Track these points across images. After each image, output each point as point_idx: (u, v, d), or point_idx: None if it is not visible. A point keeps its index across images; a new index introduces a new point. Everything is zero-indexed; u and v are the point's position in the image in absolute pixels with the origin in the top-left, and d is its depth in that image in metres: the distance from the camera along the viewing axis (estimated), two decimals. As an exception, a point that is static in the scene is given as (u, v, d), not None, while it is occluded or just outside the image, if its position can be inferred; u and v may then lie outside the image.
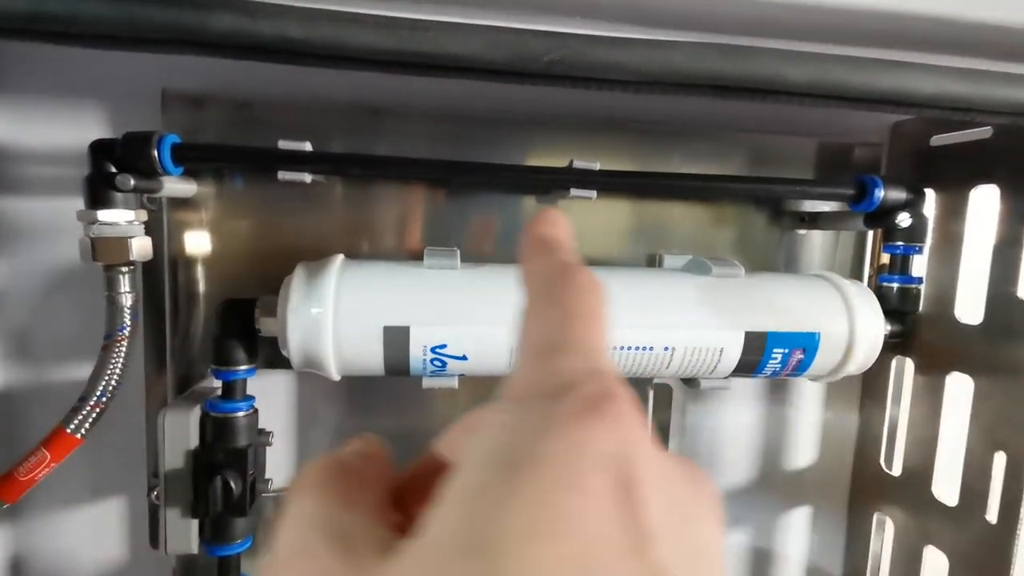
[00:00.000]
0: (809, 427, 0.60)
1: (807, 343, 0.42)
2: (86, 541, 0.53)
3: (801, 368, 0.43)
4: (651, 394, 0.55)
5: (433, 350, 0.39)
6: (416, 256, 0.48)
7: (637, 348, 0.41)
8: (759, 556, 0.61)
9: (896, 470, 0.56)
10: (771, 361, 0.43)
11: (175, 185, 0.43)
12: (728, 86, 0.30)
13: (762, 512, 0.61)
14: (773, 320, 0.42)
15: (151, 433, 0.49)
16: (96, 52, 0.46)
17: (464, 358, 0.39)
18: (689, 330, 0.41)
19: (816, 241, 0.56)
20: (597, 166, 0.43)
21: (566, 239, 0.19)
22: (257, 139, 0.45)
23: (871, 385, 0.58)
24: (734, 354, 0.42)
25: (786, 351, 0.42)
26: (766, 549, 0.61)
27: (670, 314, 0.41)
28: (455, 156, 0.45)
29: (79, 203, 0.48)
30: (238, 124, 0.46)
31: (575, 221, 0.50)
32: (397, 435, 0.52)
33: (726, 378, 0.44)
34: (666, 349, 0.41)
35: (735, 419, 0.59)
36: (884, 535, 0.59)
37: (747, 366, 0.43)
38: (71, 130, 0.48)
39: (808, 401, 0.60)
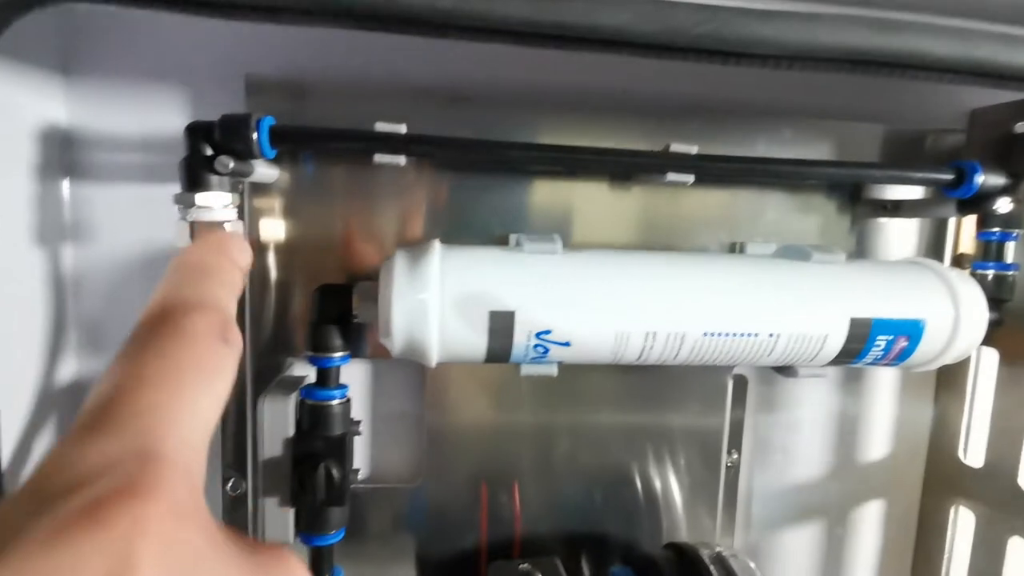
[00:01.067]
0: (883, 419, 0.59)
1: (912, 331, 0.41)
2: None
3: (903, 356, 0.43)
4: (730, 385, 0.54)
5: (538, 335, 0.38)
6: (500, 242, 0.48)
7: (742, 334, 0.40)
8: (831, 550, 0.61)
9: (976, 462, 0.55)
10: (874, 348, 0.42)
11: (262, 170, 0.42)
12: (875, 61, 0.29)
13: (834, 504, 0.60)
14: (878, 307, 0.41)
15: (230, 423, 0.49)
16: (176, 36, 0.46)
17: (567, 344, 0.39)
18: (794, 316, 0.40)
19: (893, 229, 0.55)
20: (695, 150, 0.42)
21: (224, 267, 0.18)
22: (339, 124, 0.44)
23: (947, 376, 0.57)
24: (837, 341, 0.41)
25: (890, 338, 0.41)
26: (838, 540, 0.60)
27: (775, 300, 0.40)
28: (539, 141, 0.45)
29: (153, 190, 0.48)
30: (319, 109, 0.45)
31: (655, 208, 0.50)
32: (474, 426, 0.51)
33: (824, 366, 0.44)
34: (771, 336, 0.40)
35: (809, 410, 0.58)
36: (957, 527, 0.58)
37: (849, 353, 0.42)
38: (148, 116, 0.47)
39: (882, 393, 0.59)
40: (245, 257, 0.24)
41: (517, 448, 0.52)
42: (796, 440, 0.58)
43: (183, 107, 0.47)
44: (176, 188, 0.47)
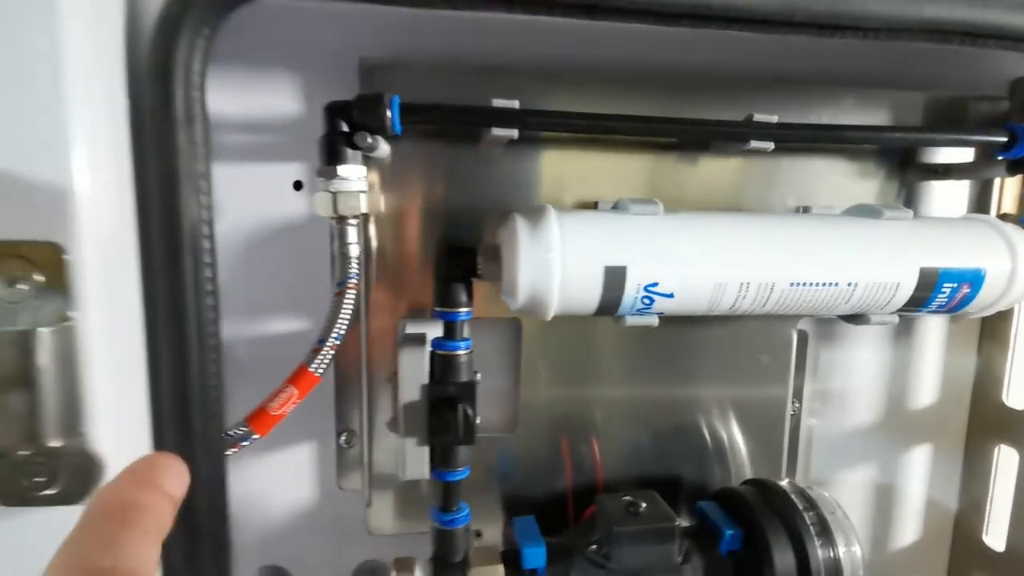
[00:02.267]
0: (930, 367, 0.64)
1: (974, 278, 0.46)
2: (275, 483, 0.57)
3: (964, 303, 0.47)
4: (794, 337, 0.58)
5: (646, 288, 0.43)
6: (587, 208, 0.52)
7: (824, 284, 0.44)
8: (881, 490, 0.66)
9: (1020, 403, 0.60)
10: (939, 296, 0.46)
11: (383, 145, 0.47)
12: (975, 33, 0.33)
13: (884, 448, 0.65)
14: (945, 257, 0.45)
15: (345, 383, 0.53)
16: (291, 23, 0.49)
17: (671, 296, 0.43)
18: (870, 267, 0.45)
19: (941, 191, 0.60)
20: (775, 119, 0.47)
21: (152, 506, 0.17)
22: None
23: (991, 325, 0.62)
24: (908, 289, 0.46)
25: (954, 286, 0.46)
26: (888, 484, 0.66)
27: (854, 252, 0.45)
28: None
29: (264, 168, 0.52)
30: (424, 88, 0.49)
31: (724, 176, 0.54)
32: (561, 381, 0.56)
33: (892, 313, 0.48)
34: (849, 284, 0.45)
35: (863, 361, 0.63)
36: (999, 467, 0.63)
37: (917, 301, 0.46)
38: (261, 98, 0.51)
39: (930, 342, 0.64)
40: (180, 484, 0.20)
41: (599, 400, 0.57)
42: (850, 389, 0.63)
43: (295, 90, 0.51)
44: (286, 167, 0.52)
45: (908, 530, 0.67)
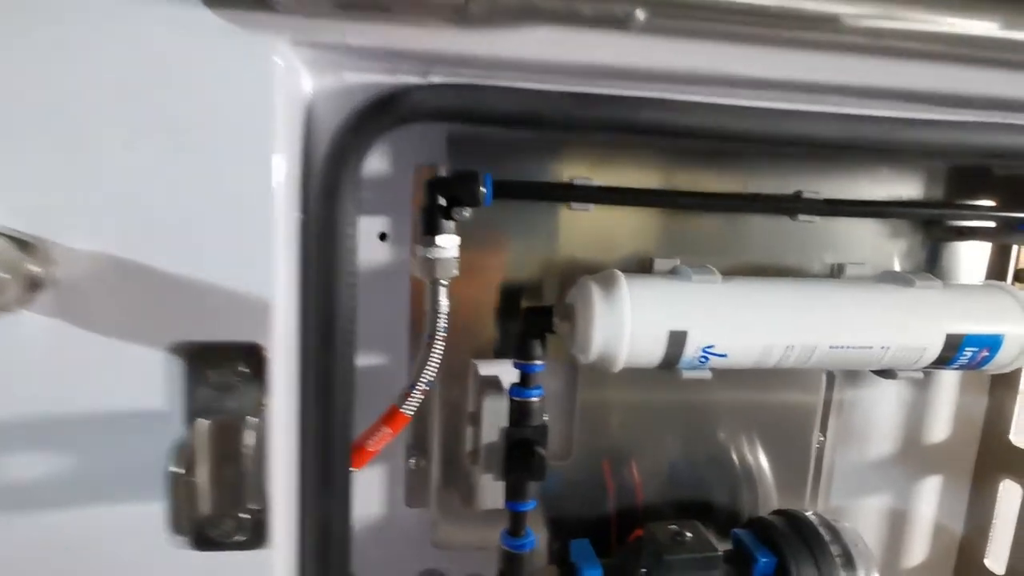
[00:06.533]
0: (943, 407, 0.70)
1: (992, 343, 0.52)
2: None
3: (983, 363, 0.53)
4: (824, 379, 0.64)
5: (703, 349, 0.48)
6: (643, 263, 0.58)
7: (860, 347, 0.50)
8: (893, 517, 0.72)
9: (1025, 443, 0.65)
10: (961, 358, 0.52)
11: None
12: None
13: (898, 479, 0.71)
14: (968, 324, 0.51)
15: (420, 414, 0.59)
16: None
17: (724, 356, 0.49)
18: (901, 332, 0.50)
19: (962, 249, 0.65)
20: (821, 195, 0.52)
21: None
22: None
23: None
24: (934, 352, 0.51)
25: (976, 350, 0.52)
26: (900, 509, 0.72)
27: (887, 319, 0.50)
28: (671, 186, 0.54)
29: (362, 221, 0.57)
30: (504, 160, 0.54)
31: (767, 235, 0.59)
32: (613, 414, 0.62)
33: (917, 370, 0.54)
34: (882, 348, 0.50)
35: (882, 401, 0.68)
36: (1002, 498, 0.69)
37: (941, 361, 0.52)
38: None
39: (945, 384, 0.69)
40: None
41: (642, 430, 0.62)
42: (870, 426, 0.69)
43: (385, 152, 0.56)
44: (374, 220, 0.57)
45: (916, 552, 0.73)
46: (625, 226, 0.58)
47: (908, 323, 0.50)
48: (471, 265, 0.56)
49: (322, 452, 0.36)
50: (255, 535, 0.31)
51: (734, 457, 0.66)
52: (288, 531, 0.34)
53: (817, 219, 0.53)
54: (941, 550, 0.73)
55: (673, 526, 0.54)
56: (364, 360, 0.59)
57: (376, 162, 0.56)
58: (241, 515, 0.31)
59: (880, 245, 0.62)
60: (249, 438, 0.29)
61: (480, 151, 0.54)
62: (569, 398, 0.61)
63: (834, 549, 0.54)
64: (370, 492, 0.63)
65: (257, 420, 0.29)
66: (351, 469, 0.49)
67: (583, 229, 0.57)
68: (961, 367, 0.53)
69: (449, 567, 0.64)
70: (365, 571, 0.64)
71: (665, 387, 0.62)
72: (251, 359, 0.29)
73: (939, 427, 0.70)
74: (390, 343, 0.58)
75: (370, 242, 0.57)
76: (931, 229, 0.63)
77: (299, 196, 0.33)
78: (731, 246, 0.59)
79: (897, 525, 0.72)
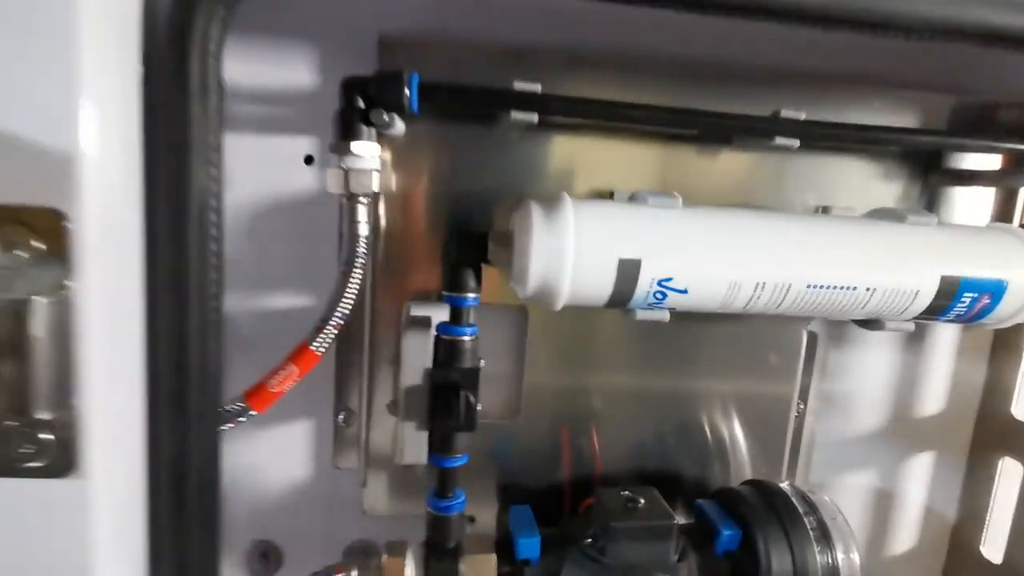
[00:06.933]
0: (939, 375, 0.63)
1: (995, 289, 0.45)
2: (271, 459, 0.56)
3: (983, 313, 0.46)
4: (804, 337, 0.58)
5: (659, 283, 0.42)
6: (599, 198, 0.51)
7: (842, 287, 0.43)
8: (880, 496, 0.65)
9: (1028, 416, 0.59)
10: (959, 305, 0.45)
11: (398, 123, 0.46)
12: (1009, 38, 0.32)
13: (886, 455, 0.64)
14: (967, 267, 0.44)
15: (348, 361, 0.53)
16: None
17: (684, 291, 0.42)
18: (890, 272, 0.44)
19: (963, 197, 0.58)
20: (803, 116, 0.45)
21: None
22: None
23: (1004, 336, 0.61)
24: (927, 297, 0.45)
25: (975, 296, 0.45)
26: (887, 490, 0.65)
27: (874, 256, 0.44)
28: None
29: (273, 142, 0.51)
30: (442, 68, 0.48)
31: (749, 172, 0.53)
32: (565, 372, 0.55)
33: (909, 320, 0.47)
34: (868, 290, 0.44)
35: (871, 365, 0.62)
36: (1001, 479, 0.62)
37: (935, 309, 0.45)
38: (275, 71, 0.49)
39: (940, 350, 0.63)
40: None
41: (601, 392, 0.56)
42: (856, 392, 0.62)
43: (311, 63, 0.50)
44: (297, 141, 0.51)
45: (904, 537, 0.67)
46: (591, 157, 0.51)
47: (898, 261, 0.44)
48: (414, 199, 0.50)
49: (176, 368, 0.30)
50: (60, 460, 0.24)
51: (705, 424, 0.59)
52: (123, 463, 0.28)
53: (797, 148, 0.46)
54: (932, 535, 0.67)
55: (626, 492, 0.48)
56: (290, 301, 0.53)
57: (298, 72, 0.49)
58: (41, 435, 0.24)
59: (870, 188, 0.55)
60: (37, 327, 0.23)
61: (419, 60, 0.47)
62: (518, 347, 0.54)
63: (809, 522, 0.48)
64: (294, 450, 0.56)
65: (49, 302, 0.22)
66: (250, 410, 0.42)
67: (546, 160, 0.51)
68: (958, 318, 0.47)
69: (382, 536, 0.58)
70: (289, 541, 0.58)
71: (629, 344, 0.56)
72: (47, 229, 0.23)
73: (932, 398, 0.64)
74: (318, 282, 0.52)
75: (293, 166, 0.51)
76: (929, 173, 0.57)
77: (141, 40, 0.27)
78: (702, 183, 0.53)
79: (883, 507, 0.66)
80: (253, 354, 0.45)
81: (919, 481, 0.66)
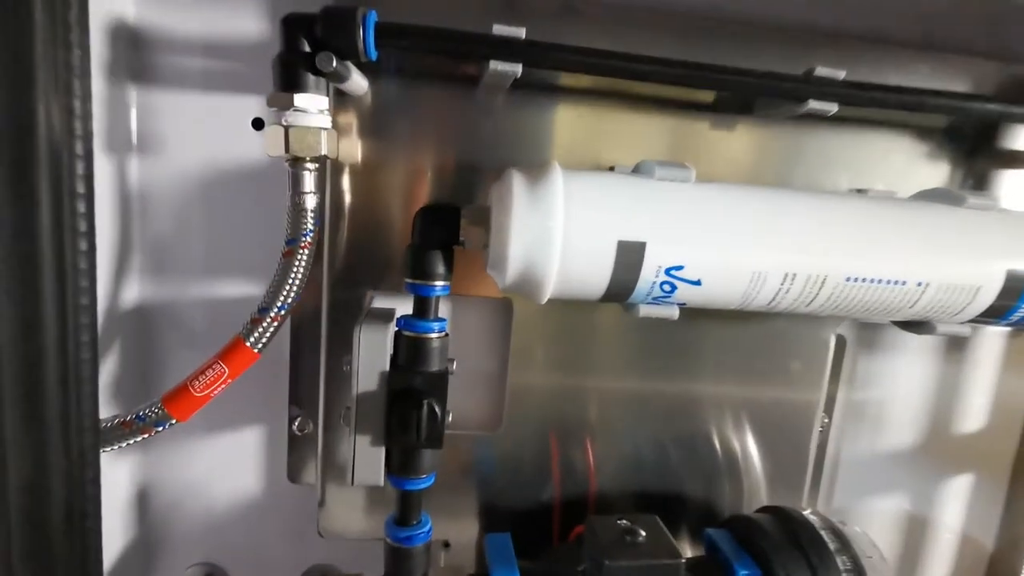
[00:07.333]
0: (981, 387, 0.56)
1: (1070, 288, 0.37)
2: (217, 472, 0.49)
3: (1053, 317, 0.39)
4: (832, 342, 0.50)
5: (667, 272, 0.34)
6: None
7: (889, 282, 0.36)
8: (911, 523, 0.58)
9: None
10: (1022, 308, 0.38)
11: (355, 77, 0.38)
12: None
13: (920, 476, 0.57)
14: (1039, 260, 0.37)
15: (301, 359, 0.45)
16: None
17: (698, 283, 0.35)
18: (946, 266, 0.36)
19: (1010, 180, 0.51)
20: (842, 75, 0.38)
21: None
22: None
23: (1058, 346, 0.54)
24: (989, 296, 0.37)
25: (1046, 296, 0.37)
26: (920, 514, 0.57)
27: (929, 245, 0.36)
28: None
29: (222, 99, 0.44)
30: (416, 12, 0.40)
31: (774, 148, 0.45)
32: (555, 378, 0.48)
33: (964, 323, 0.40)
34: (919, 285, 0.36)
35: (906, 376, 0.54)
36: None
37: (996, 311, 0.38)
38: (221, 17, 0.42)
39: (983, 359, 0.55)
40: None
41: (597, 400, 0.49)
42: (888, 406, 0.55)
43: (258, 6, 0.42)
44: (244, 100, 0.43)
45: (937, 566, 0.59)
46: (591, 128, 0.44)
47: (957, 253, 0.36)
48: (382, 172, 0.42)
49: (24, 370, 0.22)
50: None
51: (715, 439, 0.51)
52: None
53: (829, 120, 0.39)
54: (968, 564, 0.59)
55: (624, 521, 0.40)
56: (242, 288, 0.46)
57: (239, 17, 0.42)
58: None
59: (913, 169, 0.48)
60: None
61: (387, 3, 0.40)
62: (501, 347, 0.47)
63: (842, 561, 0.40)
64: (244, 463, 0.49)
65: None
66: (171, 418, 0.35)
67: (536, 129, 0.44)
68: (1020, 321, 0.39)
69: (343, 560, 0.51)
70: (236, 565, 0.51)
71: (630, 346, 0.48)
72: None
73: (973, 412, 0.56)
74: (267, 262, 0.45)
75: (240, 130, 0.44)
76: (979, 153, 0.49)
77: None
78: (720, 159, 0.45)
79: (915, 533, 0.58)
80: (206, 350, 0.38)
81: (955, 505, 0.58)
